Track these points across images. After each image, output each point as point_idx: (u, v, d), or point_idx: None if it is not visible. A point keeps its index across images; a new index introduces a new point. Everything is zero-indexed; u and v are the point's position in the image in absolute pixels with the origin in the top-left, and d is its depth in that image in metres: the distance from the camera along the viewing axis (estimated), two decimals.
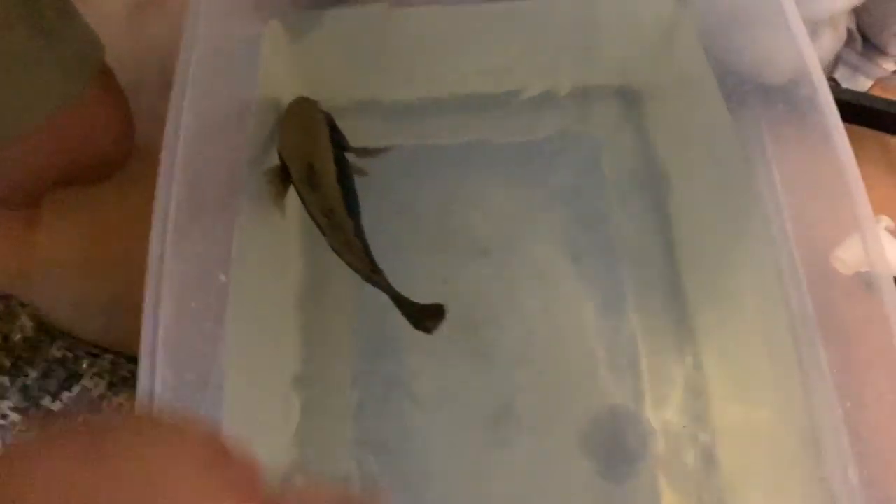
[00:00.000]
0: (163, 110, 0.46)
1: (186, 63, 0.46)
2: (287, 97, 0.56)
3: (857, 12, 0.69)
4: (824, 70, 0.69)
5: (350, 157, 0.55)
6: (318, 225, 0.52)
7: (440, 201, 0.60)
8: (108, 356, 0.58)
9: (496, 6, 0.56)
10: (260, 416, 0.49)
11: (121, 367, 0.57)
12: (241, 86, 0.50)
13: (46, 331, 0.57)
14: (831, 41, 0.64)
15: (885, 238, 0.57)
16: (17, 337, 0.54)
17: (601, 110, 0.63)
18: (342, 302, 0.57)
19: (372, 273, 0.51)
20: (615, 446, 0.53)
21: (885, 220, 0.58)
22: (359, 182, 0.54)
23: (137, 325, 0.39)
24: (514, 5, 0.56)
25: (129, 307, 0.50)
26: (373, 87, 0.60)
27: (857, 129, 0.66)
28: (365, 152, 0.56)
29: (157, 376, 0.37)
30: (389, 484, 0.52)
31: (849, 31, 0.68)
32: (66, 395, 0.54)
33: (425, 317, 0.50)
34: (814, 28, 0.63)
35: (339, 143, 0.55)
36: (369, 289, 0.51)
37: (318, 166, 0.53)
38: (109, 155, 0.61)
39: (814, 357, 0.46)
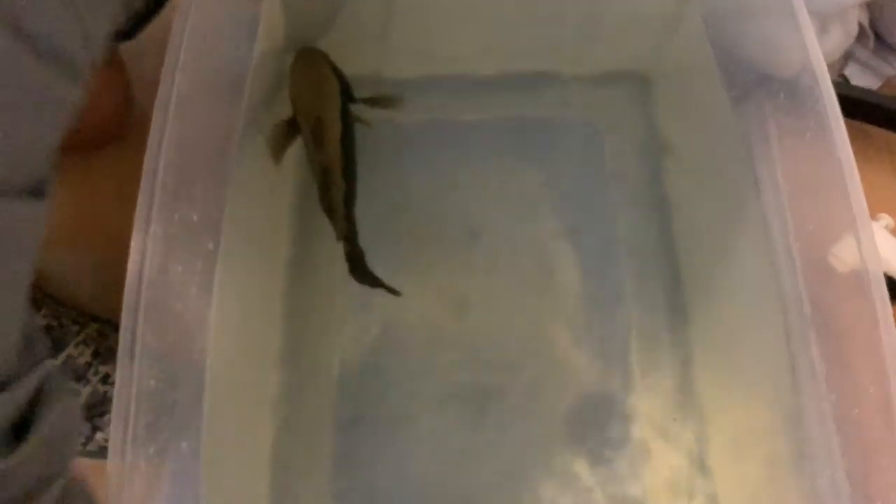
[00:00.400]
0: None
1: (182, 27, 0.46)
2: (283, 53, 0.56)
3: (870, 9, 0.68)
4: (834, 66, 0.68)
5: (357, 108, 0.56)
6: (316, 179, 0.53)
7: (435, 180, 0.60)
8: (95, 325, 0.57)
9: None
10: (240, 387, 0.49)
11: (107, 336, 0.57)
12: (236, 52, 0.50)
13: (33, 298, 0.56)
14: (840, 36, 0.63)
15: (885, 237, 0.57)
16: None
17: (605, 94, 0.63)
18: (332, 272, 0.57)
19: (347, 240, 0.52)
20: (601, 431, 0.53)
21: (886, 219, 0.58)
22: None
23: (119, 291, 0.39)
24: None
25: (118, 274, 0.51)
26: (373, 62, 0.59)
27: (864, 126, 0.66)
28: (374, 102, 0.56)
29: (138, 337, 0.37)
30: (375, 460, 0.52)
31: (861, 28, 0.67)
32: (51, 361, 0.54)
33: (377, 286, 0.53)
34: (822, 22, 0.62)
35: (347, 95, 0.55)
36: None
37: (324, 122, 0.53)
38: (107, 123, 0.61)
39: (806, 352, 0.46)
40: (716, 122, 0.56)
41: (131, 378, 0.37)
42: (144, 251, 0.39)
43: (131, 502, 0.36)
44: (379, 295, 0.52)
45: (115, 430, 0.36)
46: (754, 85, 0.56)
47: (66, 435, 0.33)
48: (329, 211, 0.53)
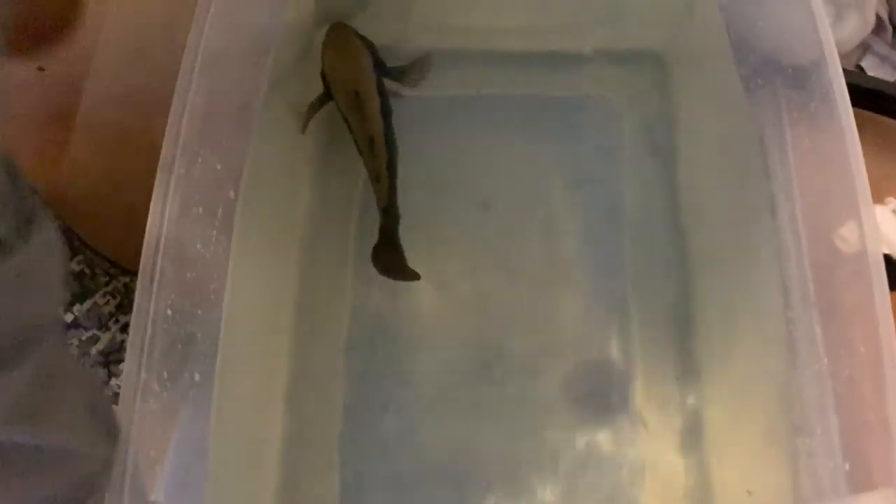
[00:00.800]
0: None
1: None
2: (312, 26, 0.58)
3: (890, 2, 0.69)
4: (851, 57, 0.69)
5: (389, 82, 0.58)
6: (359, 150, 0.56)
7: (451, 152, 0.61)
8: (124, 278, 0.60)
9: None
10: (256, 330, 0.51)
11: (133, 290, 0.59)
12: (265, 17, 0.52)
13: (71, 246, 0.59)
14: (856, 25, 0.64)
15: (892, 219, 0.58)
16: None
17: (622, 74, 0.64)
18: (347, 231, 0.59)
19: (387, 209, 0.55)
20: (600, 396, 0.54)
21: (894, 203, 0.59)
22: None
23: None
24: None
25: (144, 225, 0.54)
26: (396, 34, 0.61)
27: (879, 117, 0.66)
28: (406, 71, 0.59)
29: (157, 265, 0.39)
30: (379, 414, 0.54)
31: (880, 21, 0.68)
32: (77, 307, 0.56)
33: (397, 274, 0.55)
34: (838, 10, 0.63)
35: (380, 67, 0.57)
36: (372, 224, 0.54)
37: (362, 95, 0.56)
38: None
39: (806, 326, 0.47)
40: (729, 105, 0.57)
41: (149, 305, 0.39)
42: (168, 190, 0.41)
43: (142, 423, 0.38)
44: None
45: (130, 352, 0.38)
46: (767, 70, 0.57)
47: (57, 257, 0.34)
48: (375, 180, 0.56)
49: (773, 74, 0.57)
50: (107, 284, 0.58)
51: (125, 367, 0.38)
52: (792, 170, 0.52)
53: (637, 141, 0.62)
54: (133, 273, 0.60)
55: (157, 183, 0.41)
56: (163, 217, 0.41)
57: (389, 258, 0.56)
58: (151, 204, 0.41)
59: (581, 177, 0.61)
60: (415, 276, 0.55)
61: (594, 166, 0.61)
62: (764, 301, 0.51)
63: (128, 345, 0.38)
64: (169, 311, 0.40)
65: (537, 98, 0.63)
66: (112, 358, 0.57)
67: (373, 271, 0.56)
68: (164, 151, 0.42)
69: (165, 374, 0.39)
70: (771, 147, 0.54)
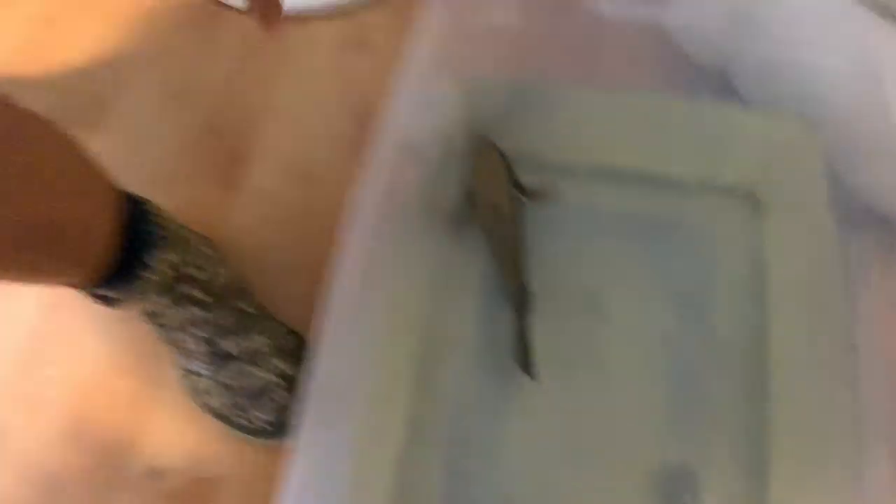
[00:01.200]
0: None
1: (392, 107, 0.58)
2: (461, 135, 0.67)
3: None
4: None
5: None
6: (497, 259, 0.64)
7: (562, 254, 0.68)
8: (275, 323, 0.68)
9: (648, 98, 0.68)
10: (378, 399, 0.58)
11: (282, 336, 0.67)
12: (424, 128, 0.61)
13: (238, 285, 0.67)
14: None
15: None
16: (220, 281, 0.64)
17: (721, 207, 0.69)
18: (462, 321, 0.66)
19: (520, 313, 0.62)
20: (673, 497, 0.59)
21: None
22: None
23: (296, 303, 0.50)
24: (665, 102, 0.68)
25: (291, 291, 0.65)
26: (528, 148, 0.69)
27: None
28: (535, 192, 0.66)
29: (333, 333, 0.48)
30: (477, 477, 0.60)
31: None
32: (238, 340, 0.64)
33: (527, 370, 0.61)
34: None
35: (515, 183, 0.65)
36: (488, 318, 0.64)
37: (501, 209, 0.64)
38: None
39: (877, 463, 0.52)
40: (820, 247, 0.61)
41: (324, 364, 0.48)
42: (344, 271, 0.50)
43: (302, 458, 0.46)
44: (497, 337, 0.63)
45: (308, 399, 0.47)
46: (861, 218, 0.62)
47: None
48: (514, 288, 0.63)
49: (867, 223, 0.62)
50: (264, 328, 0.66)
51: (303, 409, 0.47)
52: (878, 315, 0.57)
53: (731, 269, 0.67)
54: (282, 323, 0.68)
55: (338, 264, 0.51)
56: (340, 292, 0.50)
57: (525, 356, 0.61)
58: (334, 280, 0.50)
59: (680, 294, 0.66)
60: (532, 375, 0.61)
61: (692, 286, 0.66)
62: (838, 436, 0.55)
63: (305, 394, 0.47)
64: (336, 369, 0.49)
65: (646, 216, 0.69)
66: (264, 397, 0.64)
67: (478, 356, 0.63)
68: (345, 239, 0.51)
69: (323, 420, 0.48)
70: (858, 291, 0.59)
